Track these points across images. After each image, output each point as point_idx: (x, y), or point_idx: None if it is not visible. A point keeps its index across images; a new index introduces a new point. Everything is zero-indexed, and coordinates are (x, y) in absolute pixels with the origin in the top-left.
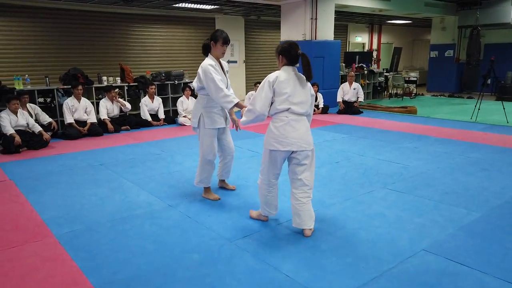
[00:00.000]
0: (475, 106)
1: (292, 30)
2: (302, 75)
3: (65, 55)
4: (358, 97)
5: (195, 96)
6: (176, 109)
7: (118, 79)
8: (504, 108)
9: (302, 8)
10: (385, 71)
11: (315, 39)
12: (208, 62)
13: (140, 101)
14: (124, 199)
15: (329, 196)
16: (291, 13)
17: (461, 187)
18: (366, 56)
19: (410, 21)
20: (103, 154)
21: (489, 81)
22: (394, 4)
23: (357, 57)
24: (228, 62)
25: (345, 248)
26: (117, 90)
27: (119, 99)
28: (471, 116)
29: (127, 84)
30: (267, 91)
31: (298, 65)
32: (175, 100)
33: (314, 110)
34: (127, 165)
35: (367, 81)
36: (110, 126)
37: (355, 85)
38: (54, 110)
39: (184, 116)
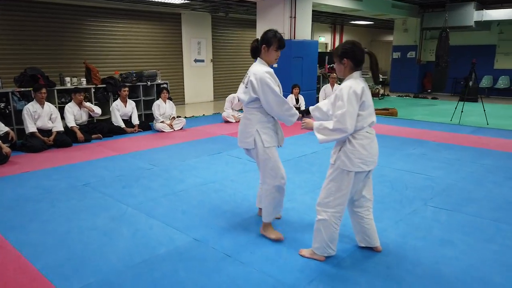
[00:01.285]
0: (455, 108)
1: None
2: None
3: (19, 53)
4: None
5: (171, 99)
6: (149, 114)
7: (84, 80)
8: (484, 110)
9: (281, 6)
10: None
11: (294, 38)
12: (264, 69)
13: (109, 105)
14: (135, 234)
15: (376, 218)
16: (268, 10)
17: (503, 201)
18: None
19: (372, 22)
20: (82, 170)
21: (470, 84)
22: (366, 4)
23: (327, 57)
24: (195, 61)
25: None
26: (83, 93)
27: (86, 103)
28: (451, 118)
29: (94, 85)
30: (355, 106)
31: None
32: (148, 104)
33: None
34: (118, 185)
35: (339, 83)
36: (80, 134)
37: (338, 87)
38: (9, 117)
39: (161, 122)
